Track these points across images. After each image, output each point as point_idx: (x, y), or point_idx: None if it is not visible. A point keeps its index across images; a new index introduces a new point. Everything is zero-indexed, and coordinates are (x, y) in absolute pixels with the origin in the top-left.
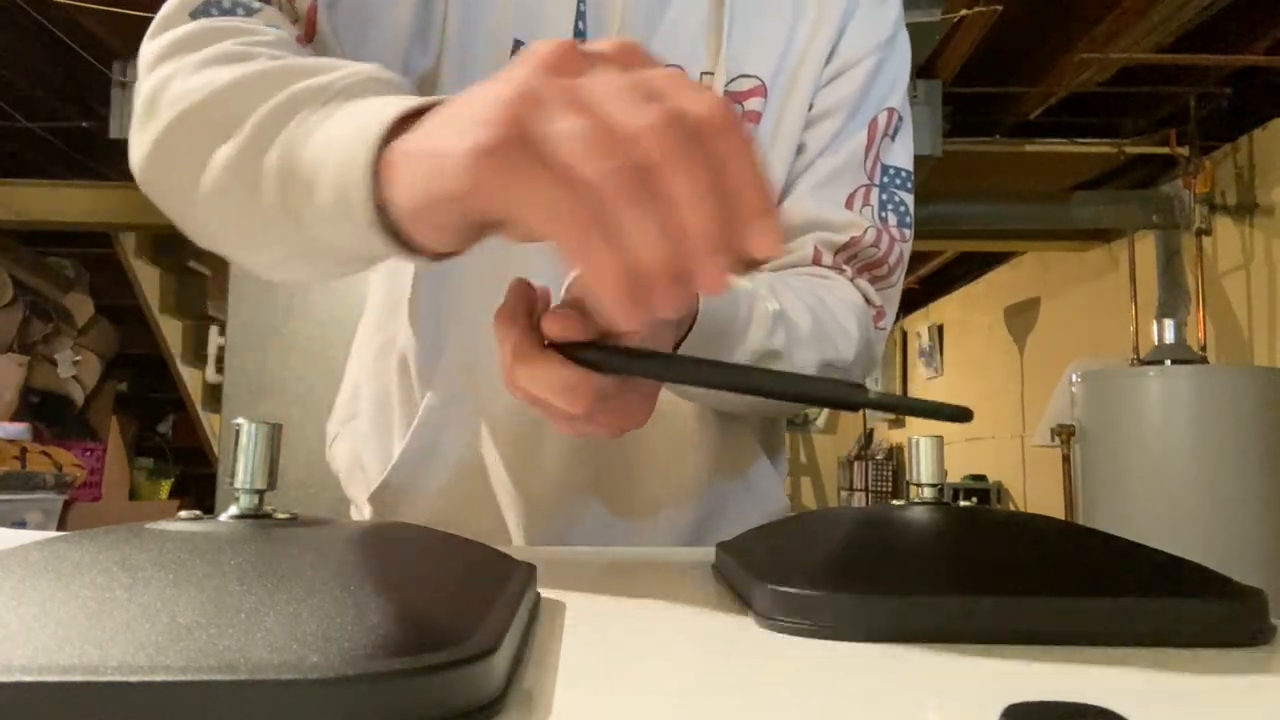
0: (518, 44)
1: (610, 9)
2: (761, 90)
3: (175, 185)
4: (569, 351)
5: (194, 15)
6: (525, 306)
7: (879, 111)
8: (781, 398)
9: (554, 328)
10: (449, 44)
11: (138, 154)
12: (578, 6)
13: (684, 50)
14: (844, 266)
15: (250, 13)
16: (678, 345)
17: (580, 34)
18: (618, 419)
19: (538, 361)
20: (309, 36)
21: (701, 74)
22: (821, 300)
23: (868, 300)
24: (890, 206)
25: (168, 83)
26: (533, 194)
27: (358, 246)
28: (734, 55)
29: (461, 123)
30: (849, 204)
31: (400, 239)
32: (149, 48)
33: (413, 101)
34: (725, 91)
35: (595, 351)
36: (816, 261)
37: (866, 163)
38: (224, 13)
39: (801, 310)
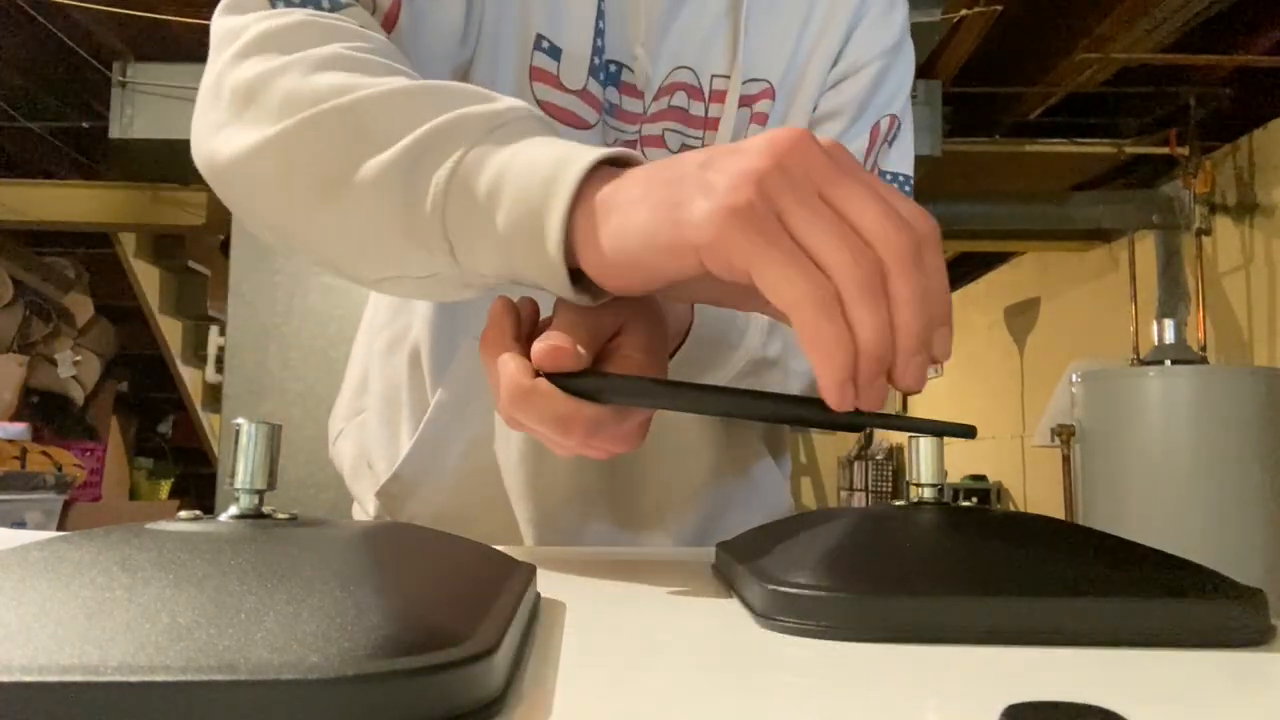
0: (540, 39)
1: (630, 8)
2: (770, 93)
3: (287, 187)
4: (560, 381)
5: (275, 2)
6: (512, 331)
7: (881, 117)
8: (781, 421)
9: (544, 360)
10: (484, 38)
11: (230, 148)
12: (599, 6)
13: (697, 52)
14: None
15: (336, 7)
16: (674, 352)
17: (600, 33)
18: (612, 444)
19: (530, 393)
20: (388, 29)
21: (713, 77)
22: None
23: None
24: None
25: (274, 78)
26: (776, 262)
27: (509, 272)
28: (747, 59)
29: (695, 184)
30: None
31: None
32: (225, 25)
33: (609, 150)
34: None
35: (588, 380)
36: None
37: (865, 165)
38: (307, 2)
39: None
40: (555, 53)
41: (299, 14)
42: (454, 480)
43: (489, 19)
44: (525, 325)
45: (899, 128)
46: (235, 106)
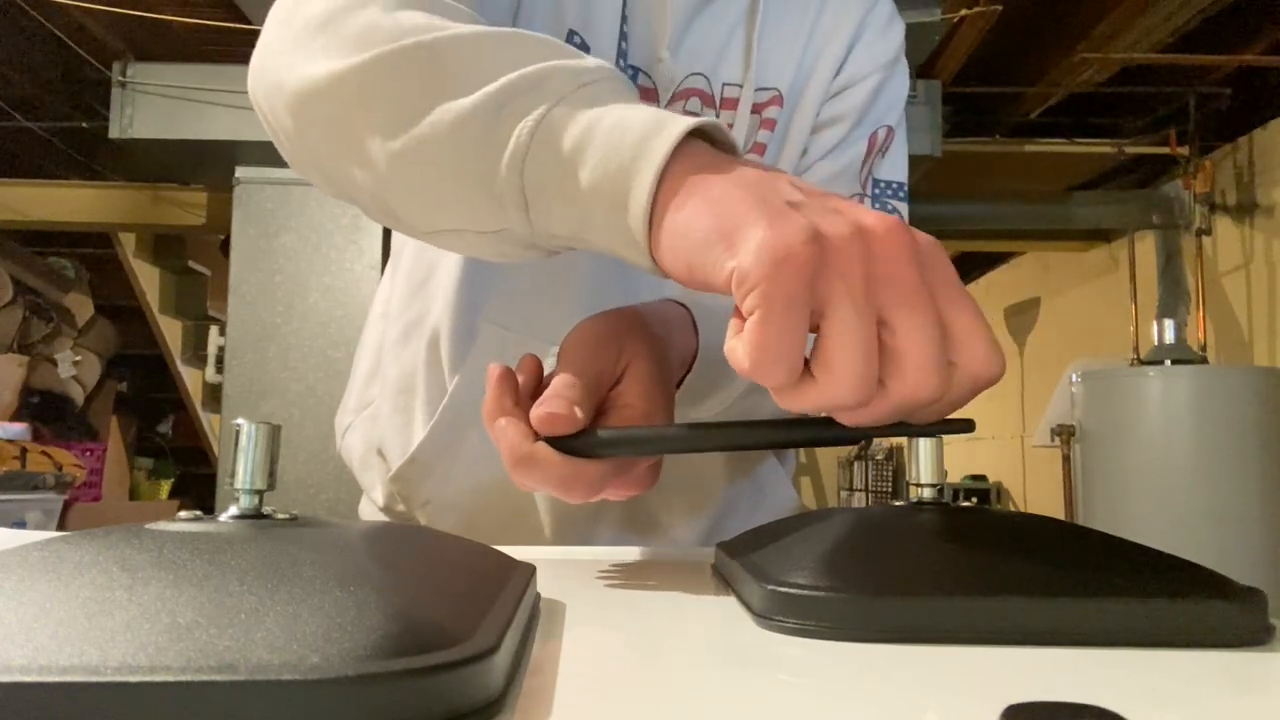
0: (571, 34)
1: (652, 11)
2: (779, 100)
3: (358, 122)
4: (560, 445)
5: None
6: (511, 397)
7: (879, 127)
8: (773, 447)
9: (541, 426)
10: (520, 24)
11: (297, 77)
12: (623, 10)
13: (711, 60)
14: None
15: None
16: (681, 381)
17: (624, 35)
18: (625, 489)
19: (529, 460)
20: None
21: (725, 85)
22: None
23: None
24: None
25: (355, 10)
26: (775, 327)
27: (582, 235)
28: (758, 68)
29: (767, 211)
30: None
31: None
32: None
33: (703, 120)
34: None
35: (580, 440)
36: None
37: (862, 174)
38: None
39: None
40: (585, 49)
41: None
42: (469, 466)
43: (525, 9)
44: (530, 384)
45: (894, 138)
46: (308, 35)
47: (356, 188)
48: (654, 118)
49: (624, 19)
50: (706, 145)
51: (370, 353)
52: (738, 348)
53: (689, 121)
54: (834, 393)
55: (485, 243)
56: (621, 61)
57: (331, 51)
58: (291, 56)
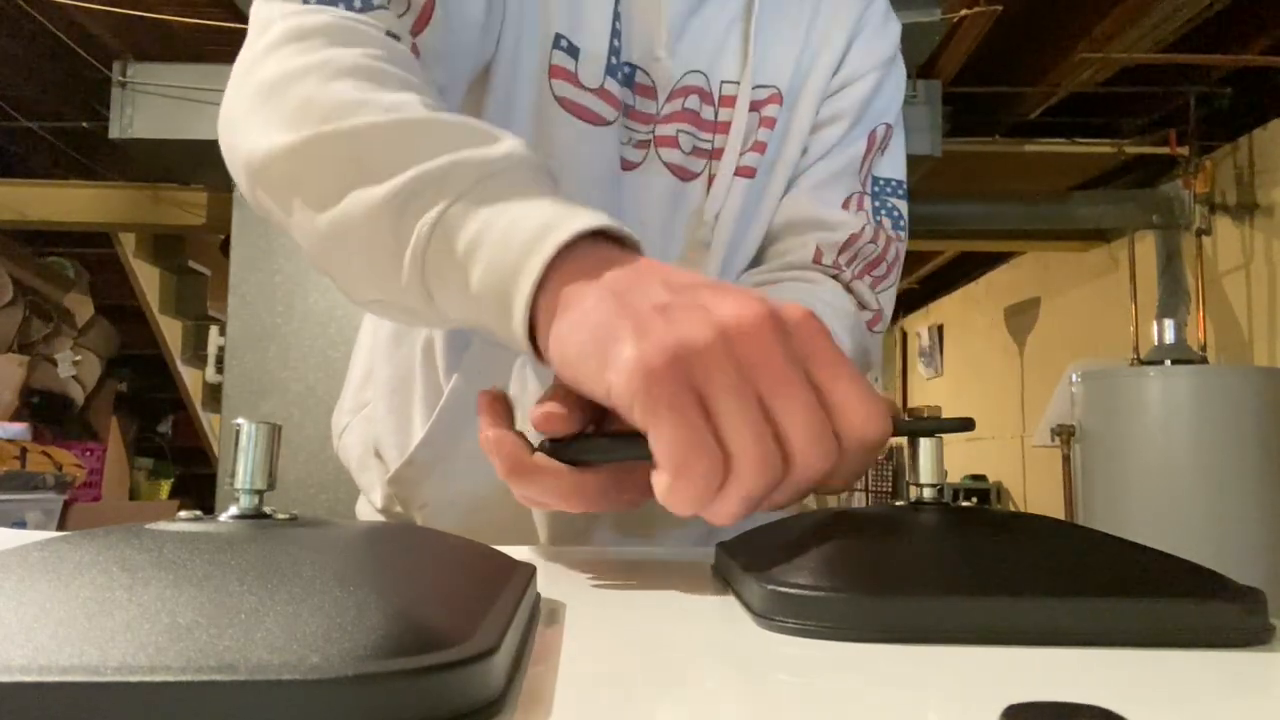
0: (559, 37)
1: (651, 13)
2: (778, 98)
3: (290, 199)
4: (556, 455)
5: None
6: (506, 421)
7: (878, 125)
8: None
9: (538, 423)
10: (506, 35)
11: (248, 146)
12: (614, 9)
13: (710, 57)
14: (844, 267)
15: (367, 7)
16: None
17: (616, 33)
18: (633, 496)
19: (533, 475)
20: (422, 26)
21: (723, 82)
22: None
23: (864, 304)
24: (884, 210)
25: (295, 81)
26: (670, 426)
27: (476, 324)
28: (756, 66)
29: (638, 325)
30: (845, 206)
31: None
32: (259, 13)
33: (590, 223)
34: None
35: (574, 446)
36: (817, 261)
37: (861, 171)
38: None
39: None
40: (574, 51)
41: (326, 15)
42: (467, 466)
43: (511, 17)
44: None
45: (893, 135)
46: (258, 100)
47: (300, 247)
48: (541, 223)
49: (616, 16)
50: (592, 243)
51: (365, 353)
52: (656, 479)
53: (573, 227)
54: (747, 478)
55: (408, 316)
56: (614, 60)
57: (272, 125)
58: (242, 123)
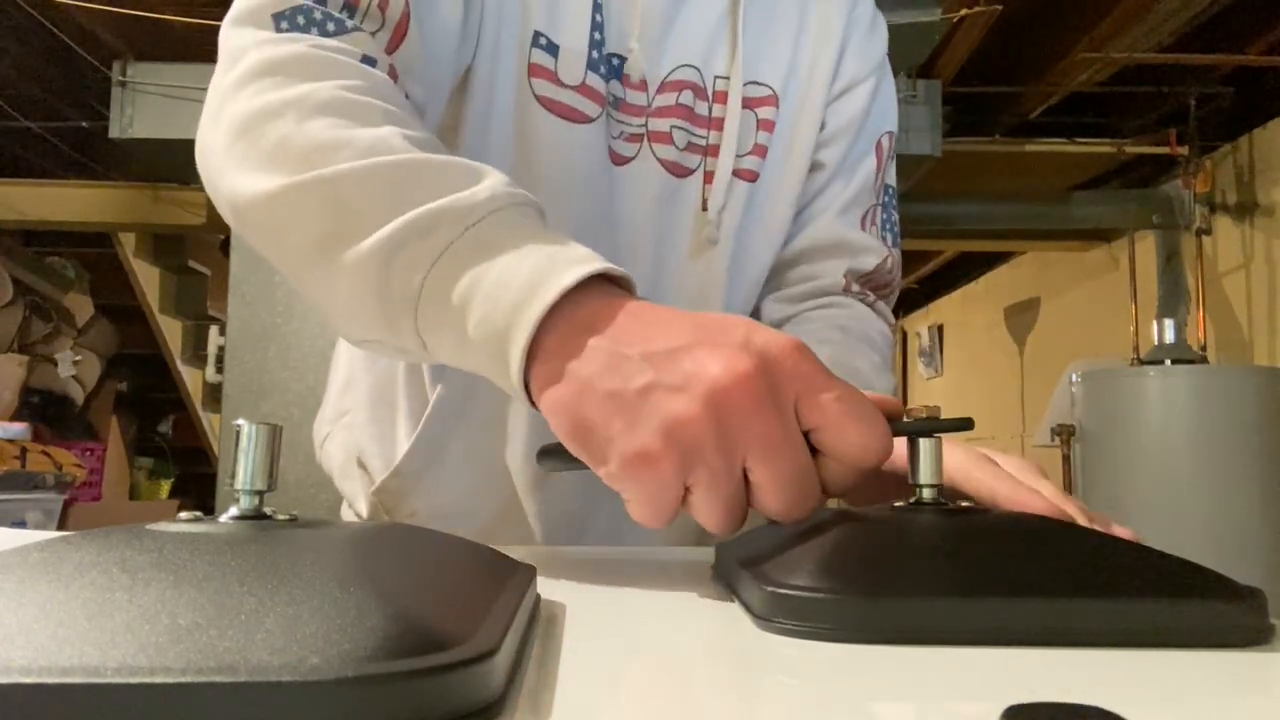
0: (538, 35)
1: (627, 6)
2: (774, 100)
3: (277, 246)
4: (557, 455)
5: (277, 18)
6: None
7: (882, 134)
8: None
9: None
10: (484, 39)
11: (227, 187)
12: (594, 1)
13: (699, 52)
14: (867, 292)
15: (340, 30)
16: None
17: (598, 25)
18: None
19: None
20: (398, 42)
21: (716, 77)
22: (845, 329)
23: (888, 322)
24: (889, 226)
25: (274, 117)
26: (652, 503)
27: (474, 370)
28: (747, 62)
29: (626, 411)
30: (863, 224)
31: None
32: (230, 41)
33: (586, 270)
34: (742, 98)
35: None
36: (846, 290)
37: (876, 184)
38: (311, 24)
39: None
40: (553, 49)
41: (300, 45)
42: (455, 475)
43: (489, 20)
44: None
45: (894, 142)
46: (232, 136)
47: (295, 289)
48: (529, 279)
49: (597, 8)
50: (584, 289)
51: (344, 361)
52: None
53: (561, 283)
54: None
55: (405, 356)
56: (596, 54)
57: (249, 165)
58: (219, 158)
